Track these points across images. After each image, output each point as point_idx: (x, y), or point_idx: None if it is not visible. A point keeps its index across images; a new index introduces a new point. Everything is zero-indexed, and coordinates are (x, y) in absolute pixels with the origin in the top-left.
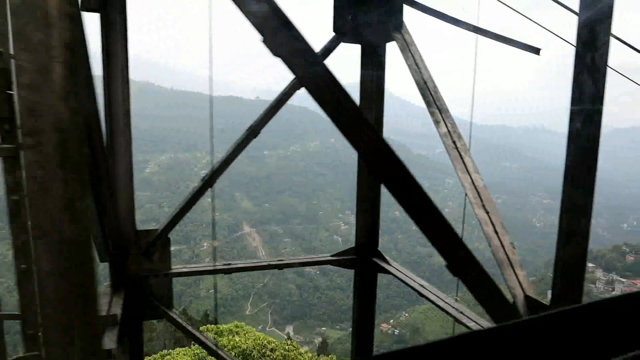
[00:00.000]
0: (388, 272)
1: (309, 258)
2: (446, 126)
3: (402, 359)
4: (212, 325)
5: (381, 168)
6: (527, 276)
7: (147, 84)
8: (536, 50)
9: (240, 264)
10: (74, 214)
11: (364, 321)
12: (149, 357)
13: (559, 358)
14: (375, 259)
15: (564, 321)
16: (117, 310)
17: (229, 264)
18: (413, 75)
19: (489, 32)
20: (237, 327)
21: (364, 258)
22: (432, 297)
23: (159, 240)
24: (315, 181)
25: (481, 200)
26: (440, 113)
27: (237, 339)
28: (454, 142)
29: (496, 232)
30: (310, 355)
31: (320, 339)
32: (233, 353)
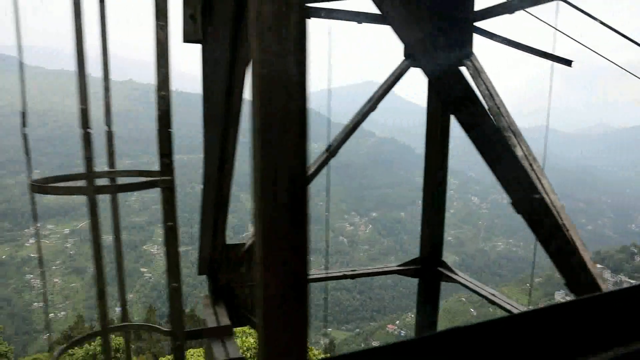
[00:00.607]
0: (454, 281)
1: (377, 268)
2: (522, 149)
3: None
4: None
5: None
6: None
7: (150, 85)
8: (568, 62)
9: (316, 275)
10: (298, 249)
11: (426, 328)
12: (162, 358)
13: (557, 350)
14: (440, 269)
15: (559, 315)
16: (226, 320)
17: (317, 273)
18: (486, 102)
19: (523, 45)
20: (249, 328)
21: (428, 268)
22: (507, 306)
23: (247, 253)
24: (320, 182)
25: (561, 219)
26: (515, 137)
27: (251, 340)
28: (530, 165)
29: (577, 249)
30: (323, 356)
31: (327, 340)
32: (248, 354)
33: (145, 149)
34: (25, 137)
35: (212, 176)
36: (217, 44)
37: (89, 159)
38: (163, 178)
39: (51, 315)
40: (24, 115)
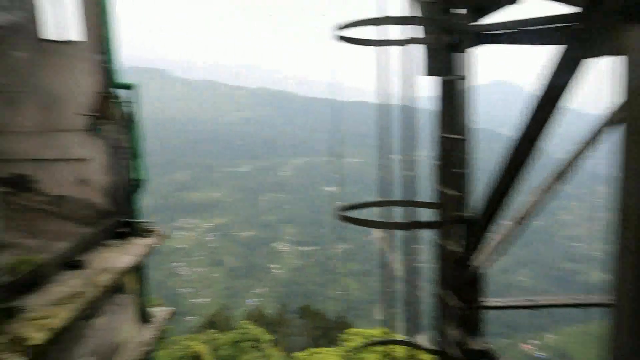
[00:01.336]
0: None
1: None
2: None
3: None
4: (360, 329)
5: None
6: None
7: (281, 92)
8: None
9: (541, 300)
10: None
11: None
12: (297, 353)
13: None
14: None
15: None
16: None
17: (531, 300)
18: None
19: None
20: (384, 333)
21: None
22: None
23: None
24: None
25: None
26: None
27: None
28: None
29: None
30: None
31: None
32: None
33: (275, 151)
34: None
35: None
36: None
37: (410, 201)
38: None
39: (195, 300)
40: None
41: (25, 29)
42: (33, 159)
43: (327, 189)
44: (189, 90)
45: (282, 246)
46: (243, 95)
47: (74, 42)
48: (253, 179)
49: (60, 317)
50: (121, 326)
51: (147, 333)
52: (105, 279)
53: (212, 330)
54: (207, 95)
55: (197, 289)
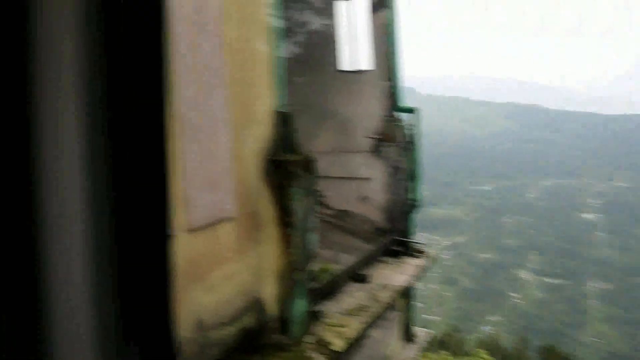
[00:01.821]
0: None
1: None
2: None
3: None
4: None
5: None
6: None
7: (531, 106)
8: None
9: None
10: None
11: None
12: None
13: None
14: None
15: None
16: None
17: None
18: None
19: None
20: None
21: None
22: None
23: None
24: None
25: None
26: None
27: None
28: None
29: None
30: None
31: None
32: None
33: (521, 170)
34: None
35: None
36: None
37: None
38: None
39: (426, 316)
40: None
41: (327, 61)
42: (324, 176)
43: (584, 216)
44: (435, 107)
45: (524, 274)
46: (491, 110)
47: (365, 71)
48: (495, 199)
49: (353, 327)
50: (389, 341)
51: (410, 352)
52: (385, 295)
53: (444, 352)
54: (453, 111)
55: (429, 305)
